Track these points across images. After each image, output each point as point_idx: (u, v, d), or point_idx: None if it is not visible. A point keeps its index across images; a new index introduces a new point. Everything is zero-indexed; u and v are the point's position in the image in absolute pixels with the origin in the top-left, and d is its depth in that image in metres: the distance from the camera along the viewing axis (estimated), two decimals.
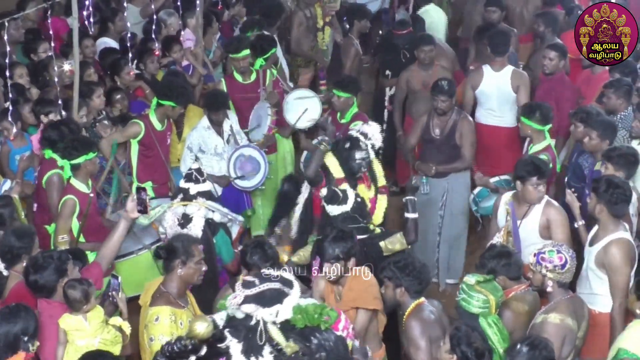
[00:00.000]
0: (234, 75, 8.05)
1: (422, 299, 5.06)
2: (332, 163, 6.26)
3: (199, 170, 6.23)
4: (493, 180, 6.98)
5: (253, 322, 4.03)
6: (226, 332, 4.08)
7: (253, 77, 8.05)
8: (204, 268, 5.15)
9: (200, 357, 4.01)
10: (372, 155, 6.32)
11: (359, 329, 5.22)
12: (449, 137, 7.40)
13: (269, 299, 4.02)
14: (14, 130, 6.88)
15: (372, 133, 6.30)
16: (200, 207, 6.03)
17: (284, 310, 4.03)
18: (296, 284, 4.16)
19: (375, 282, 5.43)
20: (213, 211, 6.13)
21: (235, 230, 6.56)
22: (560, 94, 7.77)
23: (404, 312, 5.06)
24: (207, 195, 6.20)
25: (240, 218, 6.44)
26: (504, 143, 7.92)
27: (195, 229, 5.94)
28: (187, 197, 6.14)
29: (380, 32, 10.02)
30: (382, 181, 6.43)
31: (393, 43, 9.08)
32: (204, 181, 6.20)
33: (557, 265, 4.92)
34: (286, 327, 4.05)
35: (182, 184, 6.25)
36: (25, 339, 4.56)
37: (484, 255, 5.38)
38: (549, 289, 4.94)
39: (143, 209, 5.16)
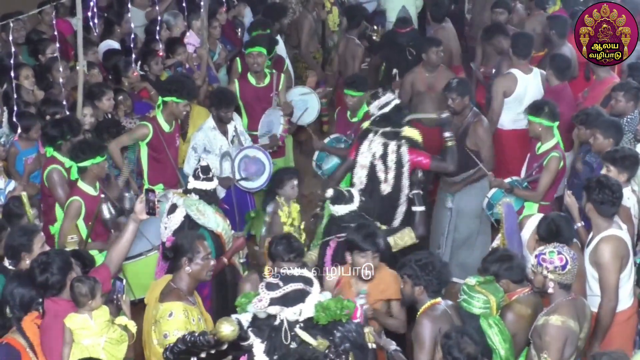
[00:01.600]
0: (247, 77, 8.05)
1: (439, 299, 5.02)
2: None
3: (204, 169, 6.19)
4: (507, 180, 6.84)
5: (277, 322, 4.10)
6: (250, 332, 4.13)
7: (267, 80, 8.04)
8: (213, 262, 5.15)
9: (219, 351, 4.04)
10: None
11: (402, 317, 5.39)
12: (460, 139, 7.11)
13: (292, 299, 4.10)
14: (37, 134, 6.94)
15: None
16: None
17: (306, 309, 4.12)
18: (316, 282, 4.25)
19: (396, 273, 5.44)
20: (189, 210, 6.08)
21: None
22: (562, 104, 7.65)
23: (419, 308, 5.03)
24: (204, 193, 6.15)
25: (211, 226, 6.12)
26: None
27: (174, 221, 5.97)
28: (185, 190, 6.18)
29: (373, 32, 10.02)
30: None
31: (397, 42, 9.07)
32: (204, 180, 6.15)
33: (557, 266, 4.87)
34: (308, 324, 4.13)
35: (189, 177, 6.30)
36: (39, 300, 4.87)
37: (486, 259, 5.35)
38: (550, 290, 4.90)
39: (152, 211, 5.14)
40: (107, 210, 6.34)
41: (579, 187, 6.40)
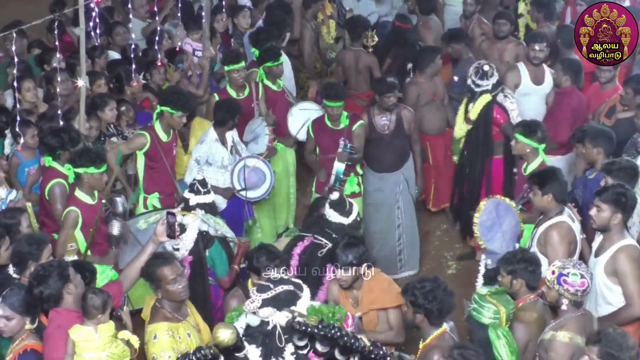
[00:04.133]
0: (227, 90, 8.08)
1: (444, 328, 4.89)
2: None
3: (202, 182, 6.20)
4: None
5: (270, 327, 4.11)
6: (243, 340, 4.14)
7: (246, 91, 8.07)
8: (183, 283, 5.07)
9: None
10: None
11: (397, 327, 5.36)
12: (398, 130, 7.68)
13: (284, 301, 4.12)
14: (22, 140, 6.93)
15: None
16: (196, 219, 6.00)
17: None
18: (305, 287, 4.28)
19: (391, 279, 5.57)
20: (208, 224, 6.11)
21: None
22: (568, 107, 7.71)
23: (424, 338, 4.92)
24: (208, 207, 6.17)
25: (229, 235, 6.29)
26: None
27: (187, 240, 5.94)
28: (187, 207, 6.12)
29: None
30: (472, 114, 7.62)
31: (405, 37, 9.25)
32: (205, 193, 6.17)
33: (579, 290, 4.83)
34: None
35: (186, 193, 6.24)
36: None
37: (515, 254, 5.33)
38: (563, 308, 4.86)
39: (171, 234, 5.09)
40: (117, 228, 6.29)
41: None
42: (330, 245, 5.86)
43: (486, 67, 7.51)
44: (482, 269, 6.01)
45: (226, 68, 8.02)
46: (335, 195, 6.14)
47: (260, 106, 8.05)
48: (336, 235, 5.91)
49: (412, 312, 4.90)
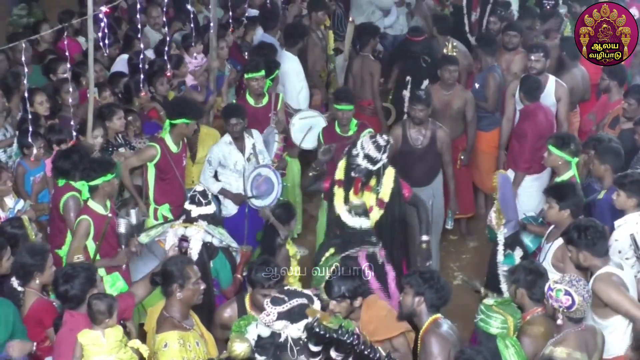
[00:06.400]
0: (246, 97, 8.11)
1: (439, 315, 4.96)
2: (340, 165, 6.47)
3: (202, 193, 6.19)
4: (520, 217, 6.64)
5: (282, 340, 4.15)
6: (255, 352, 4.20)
7: (265, 100, 8.10)
8: (203, 286, 5.14)
9: None
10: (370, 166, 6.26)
11: (404, 350, 5.24)
12: (431, 146, 7.60)
13: (297, 314, 4.16)
14: (35, 151, 6.97)
15: (367, 145, 6.26)
16: (199, 230, 6.01)
17: None
18: (316, 299, 4.33)
19: (389, 306, 5.47)
20: (212, 235, 6.11)
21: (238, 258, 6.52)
22: (529, 125, 7.69)
23: (420, 326, 4.96)
24: (210, 218, 6.17)
25: (235, 245, 6.35)
26: None
27: (192, 252, 5.94)
28: (189, 219, 6.12)
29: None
30: (384, 195, 6.32)
31: (411, 50, 9.23)
32: (206, 204, 6.17)
33: (562, 306, 4.75)
34: None
35: (186, 205, 6.22)
36: None
37: (523, 263, 5.32)
38: (559, 322, 4.79)
39: None
40: (124, 226, 6.31)
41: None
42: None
43: (383, 140, 6.32)
44: (501, 240, 5.98)
45: (246, 76, 8.07)
46: (357, 201, 6.22)
47: (278, 116, 8.06)
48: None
49: (412, 295, 4.97)
